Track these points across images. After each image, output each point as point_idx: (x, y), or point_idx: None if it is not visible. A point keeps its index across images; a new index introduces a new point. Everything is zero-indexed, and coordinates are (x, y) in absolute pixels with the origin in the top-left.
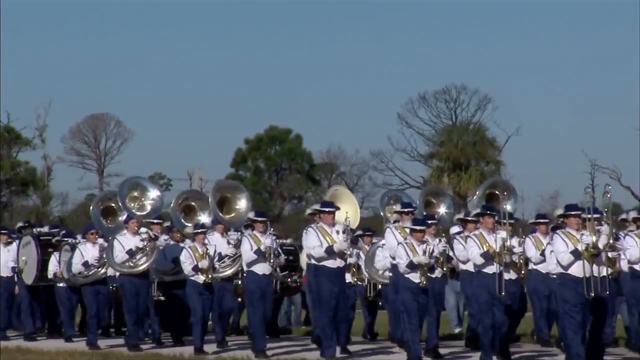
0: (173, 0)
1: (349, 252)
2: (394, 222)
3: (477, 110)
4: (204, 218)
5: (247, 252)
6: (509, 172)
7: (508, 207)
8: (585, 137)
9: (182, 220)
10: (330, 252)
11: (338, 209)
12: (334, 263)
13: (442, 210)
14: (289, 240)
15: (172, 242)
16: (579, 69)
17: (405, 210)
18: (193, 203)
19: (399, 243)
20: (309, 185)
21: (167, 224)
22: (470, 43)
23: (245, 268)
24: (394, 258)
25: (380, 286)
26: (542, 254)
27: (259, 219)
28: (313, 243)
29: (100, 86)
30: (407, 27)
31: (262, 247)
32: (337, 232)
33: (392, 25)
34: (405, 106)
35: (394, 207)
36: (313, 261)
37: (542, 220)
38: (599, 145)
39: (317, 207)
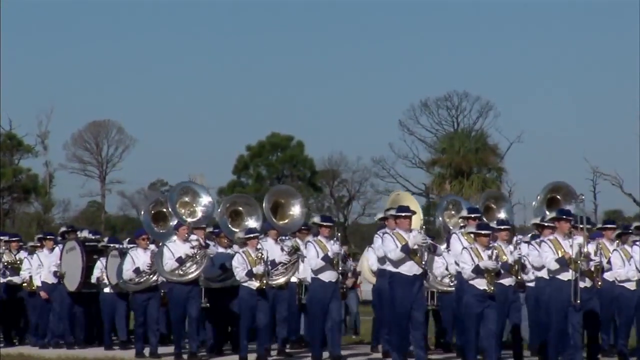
0: (175, 7)
1: (426, 242)
2: (461, 227)
3: (478, 117)
4: (252, 223)
5: (314, 258)
6: (511, 179)
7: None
8: (587, 144)
9: (230, 226)
10: (406, 251)
11: (414, 213)
12: (410, 270)
13: (502, 215)
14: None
15: (219, 248)
16: (581, 76)
17: (472, 215)
18: (240, 208)
19: (463, 248)
20: (311, 192)
21: (209, 229)
22: (472, 50)
23: (311, 275)
24: (459, 265)
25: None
26: (609, 261)
27: (325, 223)
28: (390, 247)
29: (102, 93)
30: (409, 34)
31: (329, 254)
32: (414, 236)
33: (394, 33)
34: (407, 113)
35: (453, 212)
36: (389, 267)
37: (609, 226)
38: (601, 152)
39: (392, 212)
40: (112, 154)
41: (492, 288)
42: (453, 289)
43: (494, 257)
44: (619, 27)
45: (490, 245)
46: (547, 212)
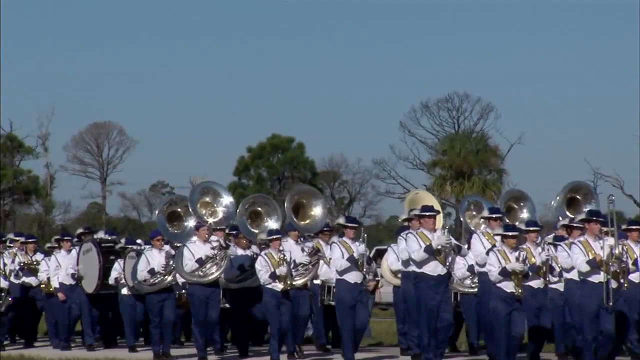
0: (175, 9)
1: (450, 243)
2: (484, 228)
3: (479, 119)
4: (272, 223)
5: (339, 259)
6: (512, 181)
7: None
8: (588, 145)
9: (249, 226)
10: (430, 251)
11: (438, 212)
12: (434, 270)
13: (524, 215)
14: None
15: (238, 250)
16: (581, 78)
17: (494, 216)
18: (260, 208)
19: (490, 250)
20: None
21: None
22: (472, 51)
23: (336, 276)
24: (481, 266)
25: (459, 295)
26: (635, 262)
27: (350, 224)
28: (413, 247)
29: (103, 95)
30: (410, 36)
31: (355, 255)
32: (438, 236)
33: (394, 34)
34: (408, 114)
35: (474, 212)
36: (413, 268)
37: (634, 227)
38: (602, 153)
39: (416, 212)
40: (112, 155)
41: (520, 291)
42: (474, 290)
43: (521, 259)
44: (619, 28)
45: (519, 246)
46: (568, 213)
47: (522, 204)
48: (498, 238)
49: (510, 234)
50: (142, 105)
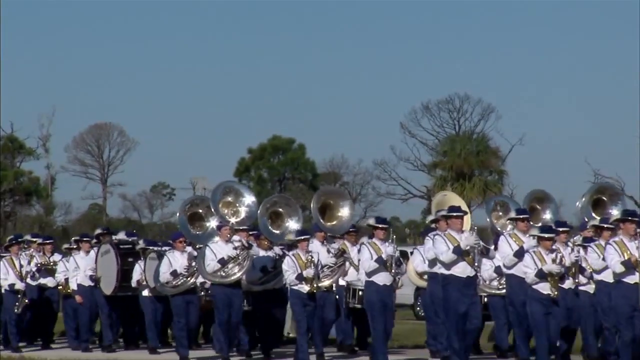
0: (176, 11)
1: (478, 244)
2: (510, 229)
3: (480, 120)
4: (293, 224)
5: (367, 261)
6: (512, 182)
7: None
8: (589, 146)
9: (270, 227)
10: (458, 253)
11: (466, 213)
12: (463, 272)
13: (547, 216)
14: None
15: (260, 251)
16: (582, 79)
17: (520, 216)
18: (281, 209)
19: (526, 251)
20: (312, 194)
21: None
22: (473, 53)
23: (365, 278)
24: (508, 267)
25: (486, 298)
26: None
27: (380, 225)
28: (441, 248)
29: (104, 96)
30: (411, 37)
31: (383, 256)
32: (466, 237)
33: (395, 35)
34: (409, 116)
35: (500, 213)
36: (441, 270)
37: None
38: (602, 154)
39: (443, 212)
40: (113, 156)
41: (556, 292)
42: (501, 292)
43: (558, 260)
44: (619, 30)
45: (554, 248)
46: (593, 214)
47: (545, 204)
48: (525, 239)
49: (546, 235)
50: (142, 106)
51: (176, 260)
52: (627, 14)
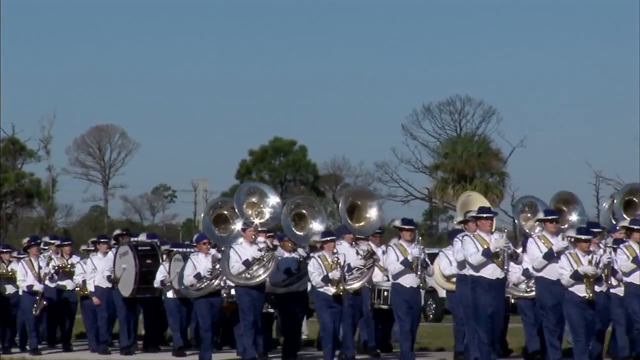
0: (178, 13)
1: (508, 250)
2: (539, 230)
3: (481, 122)
4: (316, 225)
5: (393, 263)
6: (514, 184)
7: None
8: (590, 148)
9: (293, 229)
10: (487, 255)
11: (496, 214)
12: (492, 274)
13: (574, 218)
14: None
15: (284, 253)
16: (583, 81)
17: (549, 218)
18: (304, 211)
19: (562, 253)
20: (314, 196)
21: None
22: (474, 55)
23: (392, 280)
24: (537, 270)
25: (513, 300)
26: None
27: (406, 226)
28: (470, 250)
29: (105, 98)
30: (412, 38)
31: (409, 258)
32: (495, 239)
33: (396, 37)
34: (410, 117)
35: (529, 214)
36: (470, 271)
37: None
38: (603, 156)
39: (473, 213)
40: (114, 158)
41: (592, 295)
42: (529, 294)
43: (594, 262)
44: (620, 33)
45: (591, 250)
46: (625, 216)
47: (571, 206)
48: (554, 241)
49: (583, 237)
50: (144, 108)
51: (200, 263)
52: (628, 16)
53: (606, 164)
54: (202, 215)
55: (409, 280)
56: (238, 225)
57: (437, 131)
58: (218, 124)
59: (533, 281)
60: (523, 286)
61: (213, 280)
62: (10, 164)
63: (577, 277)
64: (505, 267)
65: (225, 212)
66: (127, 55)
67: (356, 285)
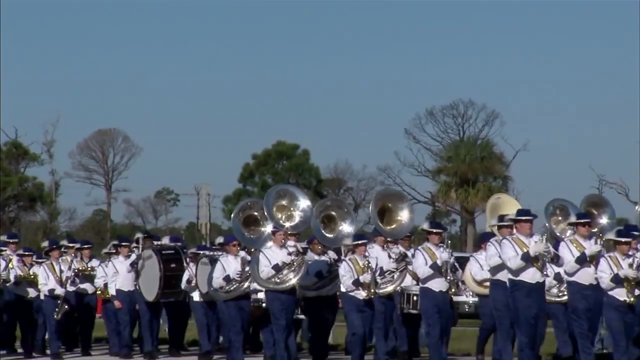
0: (181, 17)
1: (548, 254)
2: (571, 234)
3: (484, 126)
4: (346, 227)
5: (422, 266)
6: (517, 188)
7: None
8: (593, 152)
9: (323, 232)
10: (527, 259)
11: (535, 216)
12: (532, 277)
13: (604, 221)
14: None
15: (314, 256)
16: (586, 85)
17: (581, 221)
18: (333, 212)
19: (602, 256)
20: (317, 200)
21: None
22: (478, 58)
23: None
24: (569, 275)
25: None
26: None
27: (435, 230)
28: (509, 254)
29: (108, 102)
30: (415, 42)
31: (438, 262)
32: (535, 243)
33: (400, 41)
34: (413, 121)
35: (560, 217)
36: (509, 276)
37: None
38: (607, 160)
39: (511, 216)
40: (118, 162)
41: (632, 299)
42: (561, 299)
43: (635, 265)
44: (623, 37)
45: (631, 253)
46: None
47: (601, 209)
48: (587, 244)
49: (623, 240)
50: (147, 112)
51: (229, 265)
52: (629, 20)
53: (609, 168)
54: (232, 217)
55: (438, 285)
56: (268, 228)
57: (440, 135)
58: (221, 128)
59: (565, 285)
60: (555, 290)
61: (242, 283)
62: (13, 168)
63: (617, 280)
64: (545, 272)
65: (255, 213)
66: (131, 60)
67: (389, 288)
